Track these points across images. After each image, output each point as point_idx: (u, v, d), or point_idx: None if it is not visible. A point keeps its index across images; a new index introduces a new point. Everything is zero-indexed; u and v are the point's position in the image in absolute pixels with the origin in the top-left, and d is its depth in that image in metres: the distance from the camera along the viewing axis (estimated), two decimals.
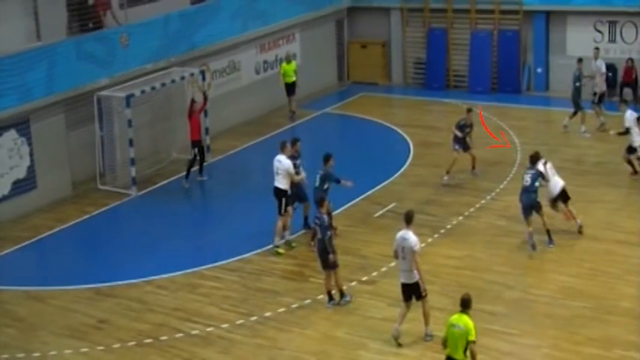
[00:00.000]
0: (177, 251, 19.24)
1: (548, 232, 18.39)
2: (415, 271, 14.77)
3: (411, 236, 14.79)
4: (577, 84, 25.23)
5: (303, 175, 19.12)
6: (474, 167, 22.42)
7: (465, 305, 12.75)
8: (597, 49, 26.72)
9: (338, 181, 18.69)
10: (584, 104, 25.22)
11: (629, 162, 21.98)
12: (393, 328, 15.04)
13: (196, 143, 22.92)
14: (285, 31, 29.77)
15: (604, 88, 25.95)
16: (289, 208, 18.88)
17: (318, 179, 18.63)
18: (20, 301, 17.38)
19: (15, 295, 17.68)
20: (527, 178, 18.38)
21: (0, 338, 16.00)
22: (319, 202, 16.77)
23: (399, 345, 14.91)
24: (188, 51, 25.74)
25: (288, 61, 28.32)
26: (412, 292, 14.93)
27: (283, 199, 18.75)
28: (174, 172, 24.17)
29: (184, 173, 22.99)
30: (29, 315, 16.81)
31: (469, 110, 22.45)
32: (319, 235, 16.35)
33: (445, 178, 21.88)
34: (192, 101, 23.25)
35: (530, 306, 16.16)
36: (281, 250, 18.82)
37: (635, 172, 22.00)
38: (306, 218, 19.62)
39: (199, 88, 24.93)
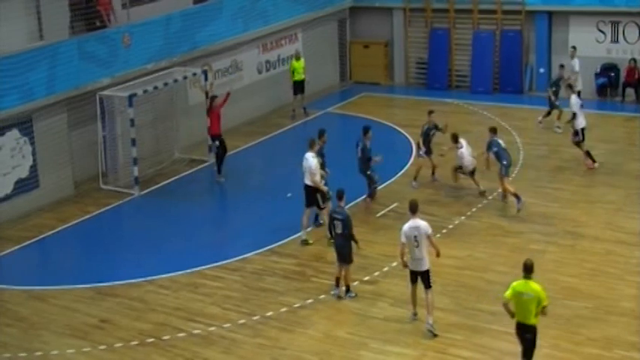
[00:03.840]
0: (178, 251, 19.27)
1: (515, 195, 20.08)
2: (426, 259, 15.13)
3: (421, 223, 15.17)
4: (554, 88, 25.61)
5: (323, 173, 19.20)
6: (433, 173, 22.30)
7: (529, 271, 12.90)
8: (574, 48, 26.96)
9: (369, 159, 19.73)
10: (559, 103, 25.40)
11: (588, 153, 22.69)
12: (410, 314, 15.55)
13: (217, 137, 23.00)
14: (288, 31, 29.80)
15: (580, 86, 26.14)
16: (327, 203, 19.02)
17: (359, 151, 20.06)
18: (22, 301, 17.42)
19: (17, 294, 17.72)
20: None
21: (2, 338, 16.03)
22: (338, 196, 16.86)
23: (436, 335, 15.16)
24: (190, 51, 25.76)
25: (297, 58, 28.39)
26: (421, 278, 15.25)
27: (318, 195, 18.84)
28: (176, 171, 24.21)
29: (216, 168, 23.24)
30: (31, 314, 16.84)
31: (430, 112, 22.34)
32: (339, 230, 16.42)
33: (414, 183, 21.92)
34: (213, 97, 23.30)
35: None
36: (310, 241, 18.97)
37: (594, 161, 22.63)
38: (316, 216, 19.82)
39: (201, 88, 24.97)
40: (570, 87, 23.91)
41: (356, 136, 20.67)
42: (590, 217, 19.80)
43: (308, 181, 18.92)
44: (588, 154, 22.77)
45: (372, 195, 20.75)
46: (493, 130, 21.12)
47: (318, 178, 18.87)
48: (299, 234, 19.10)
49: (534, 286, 12.86)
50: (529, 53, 30.04)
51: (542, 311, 12.92)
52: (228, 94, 23.80)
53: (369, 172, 20.51)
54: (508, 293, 13.05)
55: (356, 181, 20.27)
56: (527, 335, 13.05)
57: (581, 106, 22.92)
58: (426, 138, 22.00)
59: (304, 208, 19.10)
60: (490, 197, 21.20)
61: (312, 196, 18.99)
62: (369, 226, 19.68)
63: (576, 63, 26.37)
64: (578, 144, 22.88)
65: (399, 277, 16.81)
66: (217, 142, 23.09)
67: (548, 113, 26.03)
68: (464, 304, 16.28)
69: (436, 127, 22.15)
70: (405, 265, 15.29)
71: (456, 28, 31.05)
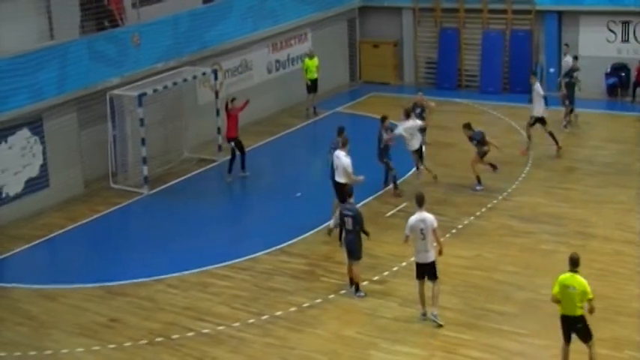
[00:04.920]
0: (188, 250, 19.29)
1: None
2: (432, 251, 15.33)
3: (428, 216, 15.35)
4: (566, 79, 25.66)
5: (360, 177, 19.11)
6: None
7: (575, 264, 13.16)
8: (567, 45, 27.14)
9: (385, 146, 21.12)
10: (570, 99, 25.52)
11: (551, 134, 23.46)
12: (420, 314, 15.61)
13: (233, 139, 23.01)
14: (297, 31, 29.82)
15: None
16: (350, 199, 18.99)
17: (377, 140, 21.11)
18: (32, 300, 17.47)
19: (27, 293, 17.77)
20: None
21: (12, 336, 16.09)
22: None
23: (440, 326, 15.33)
24: (199, 50, 25.81)
25: (311, 57, 28.42)
26: (426, 271, 15.42)
27: (345, 193, 18.79)
28: (185, 171, 24.26)
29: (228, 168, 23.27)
30: (41, 313, 16.89)
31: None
32: (349, 226, 16.43)
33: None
34: (233, 99, 23.32)
35: (541, 306, 16.10)
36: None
37: (558, 143, 23.52)
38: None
39: (211, 87, 24.99)
40: (534, 74, 24.55)
41: (365, 135, 20.72)
42: (600, 217, 19.75)
43: (340, 179, 18.87)
44: (552, 135, 23.54)
45: (394, 182, 21.47)
46: (467, 126, 21.78)
47: (354, 177, 18.91)
48: (327, 223, 18.99)
49: (580, 280, 13.14)
50: (539, 53, 29.98)
51: (589, 305, 13.20)
52: (247, 102, 23.79)
53: (385, 160, 21.27)
54: (555, 289, 13.33)
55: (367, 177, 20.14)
56: (578, 326, 13.36)
57: (544, 97, 23.57)
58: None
59: (335, 201, 19.00)
60: (500, 197, 21.17)
61: (344, 191, 18.93)
62: (378, 225, 19.65)
63: (570, 60, 26.37)
64: (531, 127, 23.76)
65: (408, 277, 16.79)
66: (233, 144, 23.03)
67: (571, 111, 25.85)
68: (473, 304, 16.26)
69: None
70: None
71: (466, 27, 31.02)
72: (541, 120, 23.52)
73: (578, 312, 13.23)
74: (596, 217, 19.78)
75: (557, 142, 23.62)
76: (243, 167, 23.33)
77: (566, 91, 25.60)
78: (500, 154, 22.32)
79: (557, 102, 26.09)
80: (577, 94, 25.92)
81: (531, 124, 23.80)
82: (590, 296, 13.18)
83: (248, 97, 24.68)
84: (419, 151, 21.91)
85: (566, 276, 13.22)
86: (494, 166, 21.88)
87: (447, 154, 23.81)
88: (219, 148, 24.61)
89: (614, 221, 19.57)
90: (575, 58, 26.04)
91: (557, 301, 13.36)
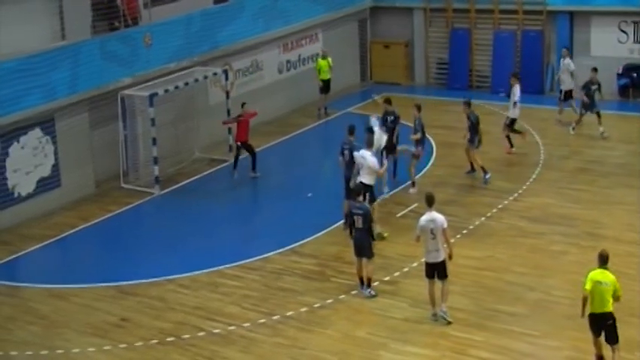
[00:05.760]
0: (198, 250, 19.33)
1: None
2: (442, 251, 15.42)
3: (438, 216, 15.46)
4: (585, 91, 25.38)
5: (384, 167, 19.48)
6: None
7: (605, 261, 13.49)
8: (567, 48, 27.23)
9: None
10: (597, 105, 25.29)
11: (508, 137, 23.95)
12: (430, 314, 15.62)
13: (243, 143, 23.02)
14: (308, 31, 29.84)
15: (571, 86, 26.23)
16: (375, 204, 19.00)
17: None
18: (43, 299, 17.54)
19: (38, 292, 17.85)
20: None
21: (24, 335, 16.16)
22: (357, 192, 17.00)
23: (449, 323, 15.44)
24: (211, 50, 25.85)
25: (324, 57, 28.44)
26: (437, 270, 15.50)
27: (367, 195, 18.81)
28: (196, 170, 24.31)
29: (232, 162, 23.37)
30: (52, 312, 16.96)
31: (388, 102, 22.54)
32: (359, 225, 16.46)
33: (487, 176, 22.24)
34: (242, 104, 23.34)
35: (551, 307, 16.11)
36: (385, 234, 19.02)
37: (512, 146, 23.89)
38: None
39: (222, 87, 25.03)
40: (515, 75, 24.56)
41: None
42: (610, 218, 19.70)
43: (365, 180, 18.83)
44: (508, 138, 23.98)
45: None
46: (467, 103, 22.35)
47: (382, 170, 19.11)
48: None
49: (610, 275, 13.42)
50: (550, 54, 29.90)
51: (617, 299, 13.48)
52: (255, 113, 23.75)
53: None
54: (587, 285, 13.43)
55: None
56: (608, 322, 13.52)
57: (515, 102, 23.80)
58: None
59: (346, 201, 19.00)
60: (511, 198, 21.15)
61: (371, 192, 18.97)
62: (389, 226, 19.67)
63: (570, 63, 26.35)
64: (509, 127, 23.96)
65: (419, 277, 16.78)
66: (239, 144, 23.04)
67: (599, 116, 25.51)
68: (483, 305, 16.25)
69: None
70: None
71: (477, 28, 30.98)
72: (513, 120, 23.88)
73: (610, 308, 13.42)
74: (607, 218, 19.73)
75: (511, 145, 24.01)
76: (254, 168, 23.34)
77: (587, 99, 25.32)
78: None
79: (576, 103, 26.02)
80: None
81: (510, 125, 24.05)
82: (620, 292, 13.47)
83: (258, 97, 24.72)
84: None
85: (597, 272, 13.46)
86: (472, 169, 22.30)
87: (456, 155, 23.76)
88: (230, 148, 24.65)
89: (625, 222, 19.51)
90: (595, 70, 25.75)
91: (586, 298, 13.48)
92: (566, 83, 26.25)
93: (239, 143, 23.06)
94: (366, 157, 18.84)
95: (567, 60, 26.44)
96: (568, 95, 26.36)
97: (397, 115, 22.21)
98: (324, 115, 28.53)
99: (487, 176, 21.98)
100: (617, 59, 28.43)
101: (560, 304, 16.18)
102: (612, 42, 28.50)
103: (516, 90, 23.77)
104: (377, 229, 18.81)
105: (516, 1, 29.94)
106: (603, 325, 13.56)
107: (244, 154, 23.31)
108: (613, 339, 13.59)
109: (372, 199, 18.85)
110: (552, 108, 27.64)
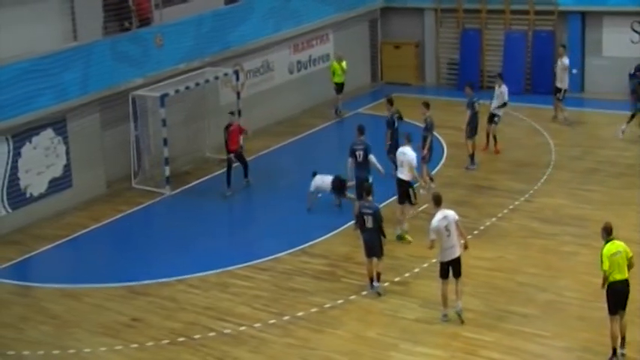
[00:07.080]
0: (209, 250, 19.37)
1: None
2: (458, 246, 15.49)
3: (449, 211, 15.59)
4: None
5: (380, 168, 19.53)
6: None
7: (610, 232, 14.16)
8: (563, 46, 27.17)
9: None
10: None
11: (488, 135, 24.21)
12: (441, 315, 15.62)
13: (234, 153, 22.65)
14: (319, 32, 29.84)
15: (566, 85, 26.31)
16: (410, 203, 19.12)
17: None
18: (55, 299, 17.60)
19: (50, 292, 17.91)
20: None
21: (36, 335, 16.22)
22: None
23: (462, 322, 15.49)
24: (221, 51, 25.88)
25: (339, 60, 28.42)
26: (453, 267, 15.49)
27: (409, 190, 18.85)
28: (207, 171, 24.33)
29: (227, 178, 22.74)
30: (64, 312, 17.02)
31: (390, 102, 22.67)
32: (369, 224, 16.47)
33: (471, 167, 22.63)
34: (230, 112, 23.17)
35: (563, 308, 16.09)
36: (409, 237, 18.95)
37: (487, 146, 24.21)
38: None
39: (233, 88, 25.05)
40: (500, 76, 25.11)
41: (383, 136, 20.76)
42: (622, 219, 19.57)
43: (403, 176, 18.88)
44: (495, 138, 24.14)
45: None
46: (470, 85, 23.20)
47: (416, 172, 19.17)
48: (397, 231, 19.04)
49: (619, 243, 14.08)
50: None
51: (631, 262, 14.04)
52: (244, 129, 23.10)
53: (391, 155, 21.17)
54: (605, 265, 13.84)
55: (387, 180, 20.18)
56: (628, 288, 14.03)
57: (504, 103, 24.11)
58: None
59: (356, 202, 19.01)
60: (522, 198, 21.11)
61: (406, 191, 18.95)
62: (398, 226, 19.64)
63: (567, 60, 26.36)
64: (488, 135, 24.24)
65: (429, 278, 16.79)
66: (232, 156, 22.58)
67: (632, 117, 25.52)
68: (495, 305, 16.23)
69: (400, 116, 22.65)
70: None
71: (488, 28, 30.92)
72: (495, 117, 24.17)
73: (626, 274, 13.97)
74: (619, 219, 19.59)
75: (491, 144, 24.20)
76: (246, 175, 22.87)
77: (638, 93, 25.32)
78: (521, 155, 22.22)
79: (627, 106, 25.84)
80: (603, 96, 25.68)
81: (496, 124, 24.24)
82: (631, 254, 14.03)
83: (269, 97, 24.66)
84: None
85: (608, 246, 13.96)
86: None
87: (466, 155, 23.71)
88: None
89: (637, 223, 19.43)
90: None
91: (606, 276, 13.85)
92: (564, 81, 26.22)
93: (231, 155, 22.68)
94: (406, 152, 18.95)
95: (564, 58, 26.43)
96: (565, 93, 26.36)
97: (401, 114, 22.59)
98: (334, 116, 28.46)
99: (473, 166, 22.52)
100: (630, 59, 28.30)
101: (571, 305, 16.16)
102: (624, 42, 28.38)
103: (505, 89, 24.07)
104: (404, 228, 18.85)
105: (527, 1, 29.88)
106: (623, 295, 13.96)
107: (236, 163, 22.82)
108: (626, 303, 14.06)
109: (408, 197, 18.94)
110: (565, 108, 27.63)
